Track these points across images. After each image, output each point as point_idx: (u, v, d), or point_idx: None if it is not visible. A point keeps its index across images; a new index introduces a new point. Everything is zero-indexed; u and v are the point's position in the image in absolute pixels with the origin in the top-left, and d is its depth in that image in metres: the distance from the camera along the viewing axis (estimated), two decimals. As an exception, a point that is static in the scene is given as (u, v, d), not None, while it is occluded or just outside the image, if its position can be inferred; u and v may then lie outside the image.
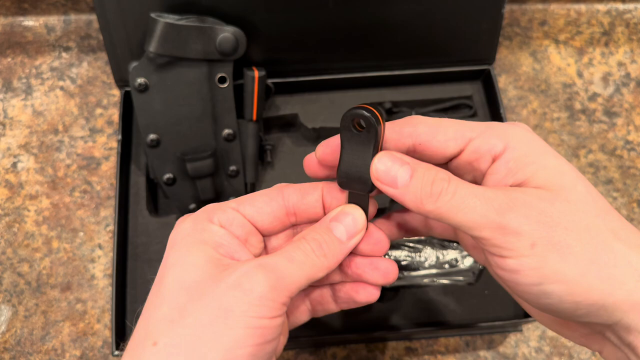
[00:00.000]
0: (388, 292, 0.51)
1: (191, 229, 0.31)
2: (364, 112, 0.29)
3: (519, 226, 0.27)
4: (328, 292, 0.35)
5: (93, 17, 0.66)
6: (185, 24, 0.47)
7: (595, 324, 0.28)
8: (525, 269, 0.27)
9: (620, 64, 0.67)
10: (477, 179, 0.31)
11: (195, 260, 0.29)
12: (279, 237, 0.34)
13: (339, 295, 0.35)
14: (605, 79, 0.66)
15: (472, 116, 0.58)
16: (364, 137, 0.30)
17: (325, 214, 0.33)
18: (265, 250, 0.34)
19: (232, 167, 0.53)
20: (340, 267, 0.34)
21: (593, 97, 0.65)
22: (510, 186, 0.29)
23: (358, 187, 0.31)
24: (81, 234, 0.57)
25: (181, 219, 0.33)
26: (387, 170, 0.30)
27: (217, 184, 0.53)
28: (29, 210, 0.58)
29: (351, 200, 0.32)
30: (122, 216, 0.52)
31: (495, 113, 0.57)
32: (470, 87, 0.59)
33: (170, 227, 0.51)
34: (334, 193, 0.33)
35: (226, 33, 0.48)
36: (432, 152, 0.31)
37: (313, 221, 0.33)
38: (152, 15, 0.47)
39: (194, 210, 0.53)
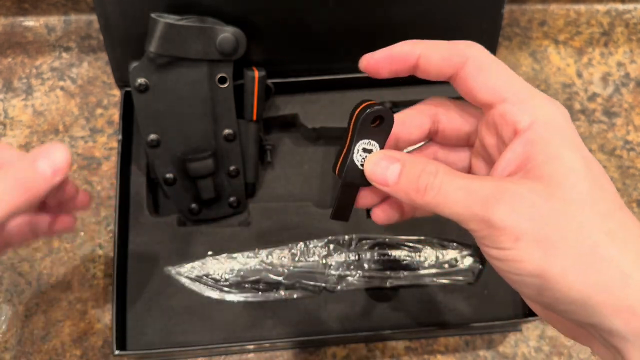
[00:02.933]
0: (388, 292, 0.52)
1: None
2: (383, 108, 0.31)
3: (502, 220, 0.27)
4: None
5: (93, 17, 0.66)
6: (186, 24, 0.47)
7: (580, 321, 0.28)
8: (508, 260, 0.27)
9: (620, 64, 0.67)
10: (500, 145, 0.31)
11: None
12: None
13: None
14: (604, 79, 0.66)
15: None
16: (377, 132, 0.32)
17: None
18: None
19: (232, 167, 0.53)
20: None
21: (592, 97, 0.65)
22: (515, 170, 0.29)
23: (364, 180, 0.32)
24: (82, 233, 0.57)
25: None
26: (378, 169, 0.31)
27: (217, 184, 0.53)
28: (29, 210, 0.58)
29: (344, 189, 0.34)
30: (123, 216, 0.52)
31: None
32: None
33: (171, 227, 0.52)
34: None
35: (226, 33, 0.48)
36: (468, 91, 0.31)
37: None
38: (153, 15, 0.47)
39: (194, 210, 0.53)
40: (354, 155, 0.32)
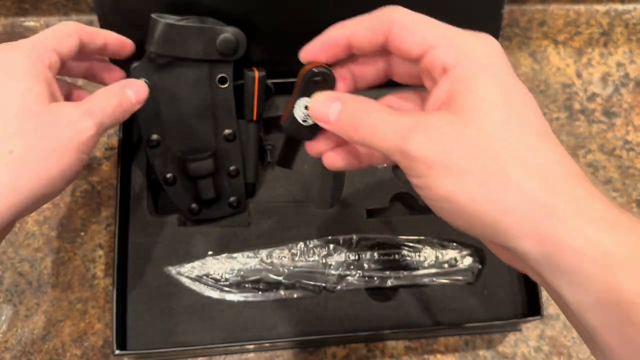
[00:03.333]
0: (388, 292, 0.52)
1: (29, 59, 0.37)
2: (326, 70, 0.35)
3: (416, 150, 0.29)
4: None
5: (94, 17, 0.66)
6: (186, 25, 0.47)
7: (500, 245, 0.29)
8: (424, 187, 0.30)
9: (619, 64, 0.67)
10: (431, 88, 0.33)
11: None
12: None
13: None
14: (604, 79, 0.66)
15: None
16: (319, 89, 0.35)
17: None
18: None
19: (232, 167, 0.53)
20: None
21: (592, 97, 0.66)
22: (440, 106, 0.31)
23: (306, 134, 0.37)
24: (82, 233, 0.57)
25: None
26: (322, 107, 0.34)
27: (217, 184, 0.53)
28: (29, 210, 0.58)
29: (287, 141, 0.39)
30: (123, 216, 0.52)
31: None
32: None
33: (171, 226, 0.52)
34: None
35: (226, 34, 0.48)
36: (402, 51, 0.33)
37: None
38: (153, 15, 0.47)
39: (194, 210, 0.53)
40: (295, 111, 0.36)
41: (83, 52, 0.43)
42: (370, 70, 0.37)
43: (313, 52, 0.36)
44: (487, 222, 0.28)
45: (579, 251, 0.26)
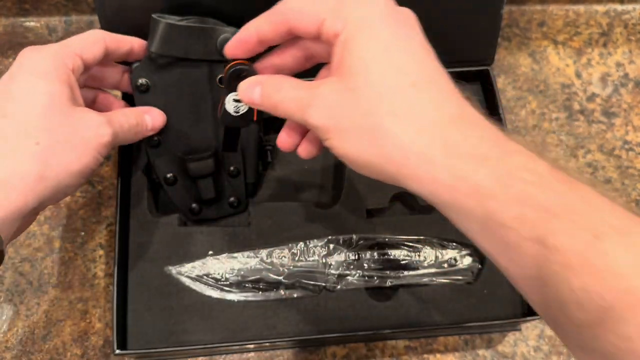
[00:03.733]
0: (388, 291, 0.52)
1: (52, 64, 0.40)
2: (244, 66, 0.40)
3: (314, 121, 0.34)
4: None
5: (94, 18, 0.66)
6: (187, 25, 0.47)
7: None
8: (330, 148, 0.34)
9: (619, 65, 0.67)
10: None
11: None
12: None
13: None
14: (603, 79, 0.67)
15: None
16: None
17: None
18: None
19: (233, 167, 0.53)
20: None
21: (591, 97, 0.66)
22: (333, 72, 0.34)
23: (241, 122, 0.42)
24: (82, 233, 0.57)
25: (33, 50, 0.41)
26: (247, 92, 0.38)
27: (217, 184, 0.53)
28: (30, 210, 0.58)
29: (226, 130, 0.47)
30: (123, 216, 0.52)
31: (493, 113, 0.57)
32: (469, 88, 0.60)
33: (172, 226, 0.52)
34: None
35: (227, 34, 0.49)
36: (302, 33, 0.36)
37: None
38: (154, 15, 0.47)
39: (195, 210, 0.53)
40: (227, 105, 0.41)
41: (109, 58, 0.46)
42: (289, 58, 0.40)
43: (232, 50, 0.40)
44: (380, 171, 0.33)
45: (454, 188, 0.30)
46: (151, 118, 0.47)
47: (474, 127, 0.31)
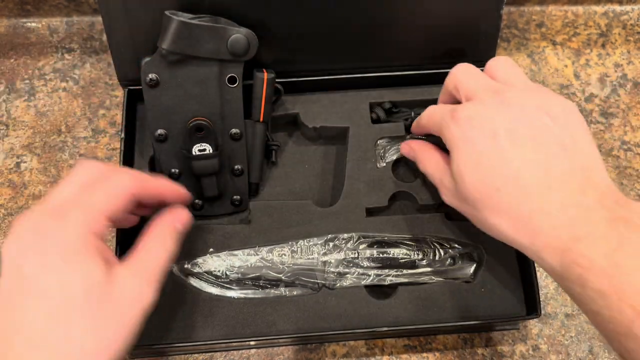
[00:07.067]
0: (387, 290, 0.52)
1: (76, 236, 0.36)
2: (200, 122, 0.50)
3: None
4: None
5: (95, 18, 0.66)
6: (199, 23, 0.48)
7: None
8: None
9: (617, 65, 0.68)
10: None
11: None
12: None
13: None
14: (602, 80, 0.67)
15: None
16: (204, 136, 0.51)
17: None
18: None
19: (237, 166, 0.53)
20: None
21: (590, 98, 0.66)
22: None
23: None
24: (83, 232, 0.57)
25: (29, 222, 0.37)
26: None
27: (221, 182, 0.53)
28: (32, 209, 0.58)
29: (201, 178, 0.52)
30: (124, 214, 0.52)
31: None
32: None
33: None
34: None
35: (238, 34, 0.49)
36: None
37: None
38: (167, 12, 0.48)
39: (197, 206, 0.53)
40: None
41: (138, 206, 0.43)
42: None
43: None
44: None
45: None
46: (182, 226, 0.44)
47: None
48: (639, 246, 0.33)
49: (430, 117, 0.48)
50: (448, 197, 0.45)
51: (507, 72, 0.45)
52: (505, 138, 0.39)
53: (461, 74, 0.45)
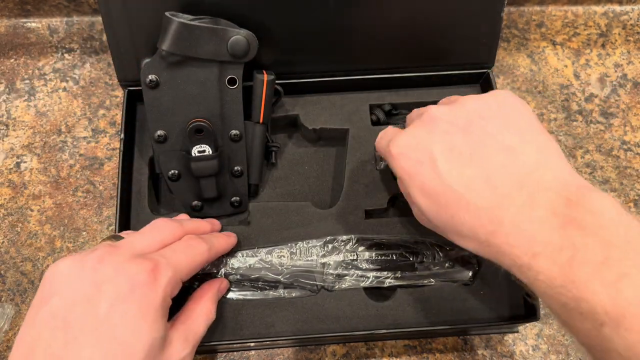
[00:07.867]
0: (386, 292, 0.52)
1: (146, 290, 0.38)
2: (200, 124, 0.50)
3: None
4: None
5: (95, 18, 0.66)
6: (199, 25, 0.48)
7: None
8: None
9: (617, 65, 0.68)
10: None
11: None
12: None
13: None
14: (602, 80, 0.67)
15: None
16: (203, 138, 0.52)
17: None
18: None
19: (237, 168, 0.54)
20: None
21: (590, 98, 0.66)
22: None
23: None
24: (84, 233, 0.58)
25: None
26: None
27: (220, 183, 0.53)
28: (32, 210, 0.59)
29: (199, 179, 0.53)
30: (124, 215, 0.52)
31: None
32: (470, 90, 0.60)
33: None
34: None
35: (238, 36, 0.49)
36: None
37: None
38: (167, 14, 0.48)
39: (196, 207, 0.53)
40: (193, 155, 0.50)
41: None
42: None
43: None
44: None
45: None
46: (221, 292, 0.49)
47: None
48: (591, 252, 0.32)
49: (378, 144, 0.47)
50: (419, 220, 0.44)
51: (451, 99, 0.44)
52: (443, 160, 0.38)
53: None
